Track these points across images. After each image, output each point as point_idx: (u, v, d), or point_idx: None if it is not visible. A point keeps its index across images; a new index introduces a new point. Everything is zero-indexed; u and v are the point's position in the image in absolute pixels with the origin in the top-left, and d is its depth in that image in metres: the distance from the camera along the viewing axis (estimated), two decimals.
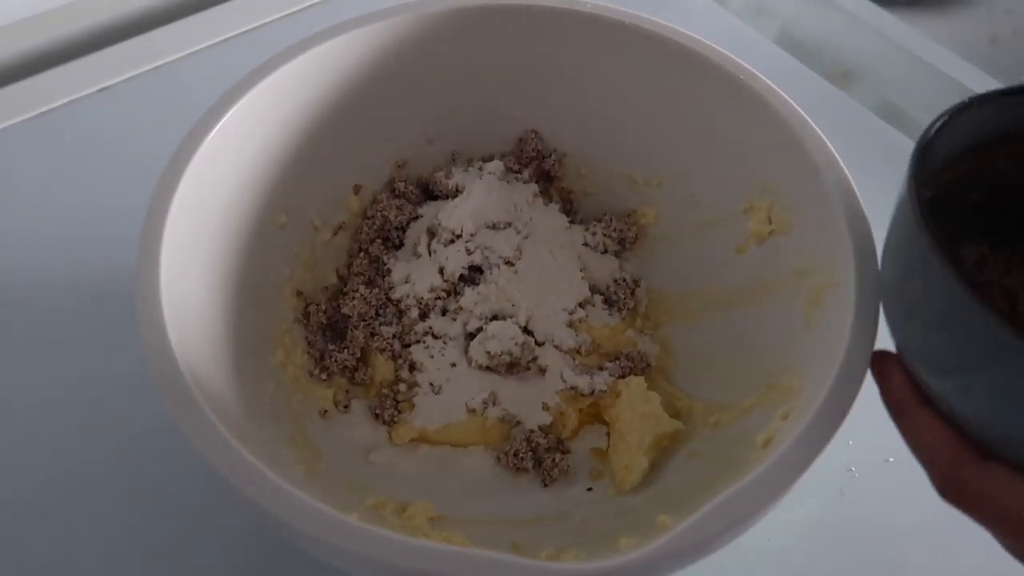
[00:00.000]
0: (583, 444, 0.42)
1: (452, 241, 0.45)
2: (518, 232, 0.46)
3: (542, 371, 0.43)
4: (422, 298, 0.44)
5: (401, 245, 0.47)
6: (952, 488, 0.27)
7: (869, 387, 0.30)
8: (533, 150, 0.48)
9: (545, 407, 0.42)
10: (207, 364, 0.33)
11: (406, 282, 0.45)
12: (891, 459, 0.43)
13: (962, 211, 0.31)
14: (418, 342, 0.44)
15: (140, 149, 0.54)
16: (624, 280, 0.46)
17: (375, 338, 0.43)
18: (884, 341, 0.31)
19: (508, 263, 0.45)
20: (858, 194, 0.35)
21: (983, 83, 0.59)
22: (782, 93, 0.39)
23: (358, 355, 0.43)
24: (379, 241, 0.46)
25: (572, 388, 0.42)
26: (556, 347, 0.44)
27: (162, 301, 0.32)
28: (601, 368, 0.44)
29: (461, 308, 0.44)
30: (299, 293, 0.43)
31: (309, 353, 0.43)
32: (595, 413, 0.43)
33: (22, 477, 0.41)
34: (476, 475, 0.41)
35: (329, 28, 0.41)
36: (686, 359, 0.44)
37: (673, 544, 0.27)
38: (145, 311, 0.31)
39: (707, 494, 0.29)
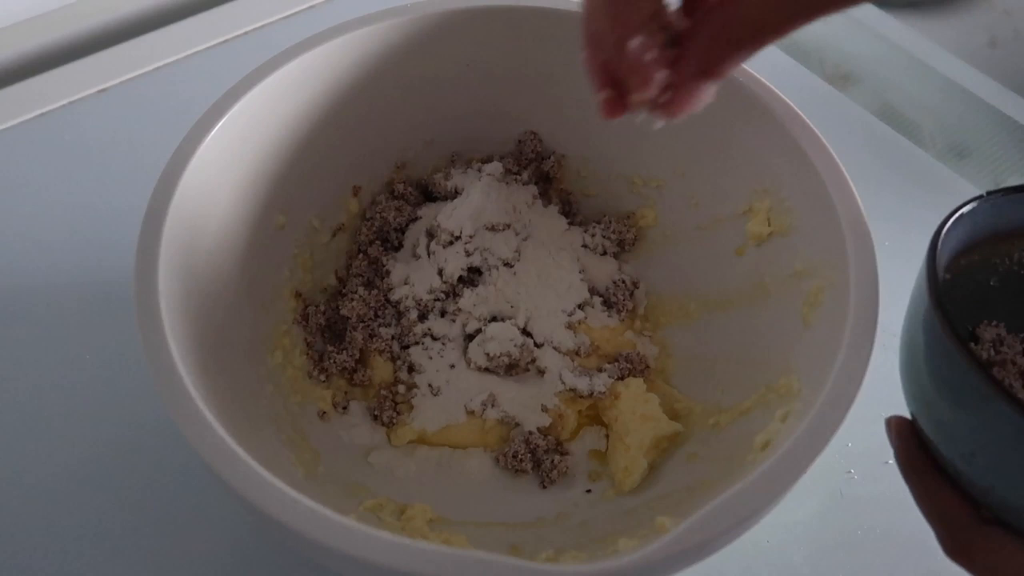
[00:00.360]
0: (582, 446, 0.42)
1: (451, 242, 0.45)
2: (517, 234, 0.46)
3: (541, 373, 0.43)
4: (421, 299, 0.44)
5: (400, 246, 0.47)
6: (962, 551, 0.28)
7: (868, 389, 0.30)
8: (532, 151, 0.48)
9: (544, 409, 0.42)
10: (206, 365, 0.33)
11: (405, 283, 0.45)
12: (889, 461, 0.42)
13: (981, 294, 0.33)
14: (417, 343, 0.44)
15: (139, 150, 0.54)
16: (623, 282, 0.46)
17: (374, 339, 0.43)
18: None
19: (507, 265, 0.45)
20: (857, 196, 0.35)
21: (983, 85, 0.59)
22: (782, 95, 0.39)
23: (357, 356, 0.43)
24: (378, 242, 0.46)
25: (571, 390, 0.42)
26: (555, 349, 0.44)
27: (161, 302, 0.32)
28: (600, 370, 0.44)
29: (460, 310, 0.44)
30: (298, 294, 0.43)
31: (308, 354, 0.43)
32: (594, 415, 0.43)
33: (22, 477, 0.41)
34: (475, 477, 0.41)
35: (328, 30, 0.41)
36: (685, 361, 0.44)
37: (672, 546, 0.27)
38: (144, 311, 0.31)
39: (706, 496, 0.29)
